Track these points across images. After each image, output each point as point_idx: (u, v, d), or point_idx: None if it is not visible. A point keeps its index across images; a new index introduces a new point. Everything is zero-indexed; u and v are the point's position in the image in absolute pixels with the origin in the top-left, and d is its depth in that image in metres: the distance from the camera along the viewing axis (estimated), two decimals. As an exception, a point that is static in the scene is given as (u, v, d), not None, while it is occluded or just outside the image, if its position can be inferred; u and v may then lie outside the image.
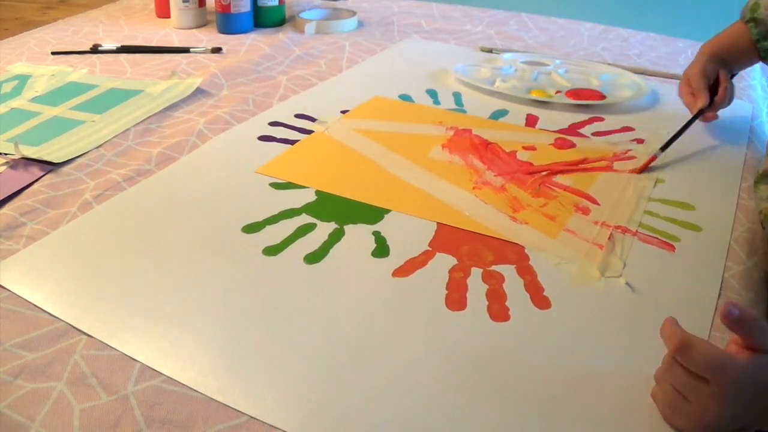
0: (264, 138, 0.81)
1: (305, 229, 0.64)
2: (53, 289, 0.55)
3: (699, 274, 0.60)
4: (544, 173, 0.75)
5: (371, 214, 0.67)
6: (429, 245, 0.62)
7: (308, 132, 0.83)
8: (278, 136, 0.82)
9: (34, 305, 0.54)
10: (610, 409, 0.46)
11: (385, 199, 0.69)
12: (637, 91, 0.96)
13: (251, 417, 0.44)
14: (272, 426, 0.44)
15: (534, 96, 0.94)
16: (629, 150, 0.81)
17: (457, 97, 0.96)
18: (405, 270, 0.59)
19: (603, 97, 0.94)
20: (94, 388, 0.46)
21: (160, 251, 0.60)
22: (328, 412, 0.45)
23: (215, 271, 0.58)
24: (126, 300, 0.54)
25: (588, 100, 0.93)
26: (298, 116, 0.87)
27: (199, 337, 0.51)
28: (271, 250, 0.61)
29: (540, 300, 0.56)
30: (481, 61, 1.08)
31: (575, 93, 0.95)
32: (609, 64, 1.07)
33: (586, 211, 0.68)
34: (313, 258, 0.60)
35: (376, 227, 0.64)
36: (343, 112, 0.89)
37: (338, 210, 0.67)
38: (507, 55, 1.09)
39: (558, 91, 0.96)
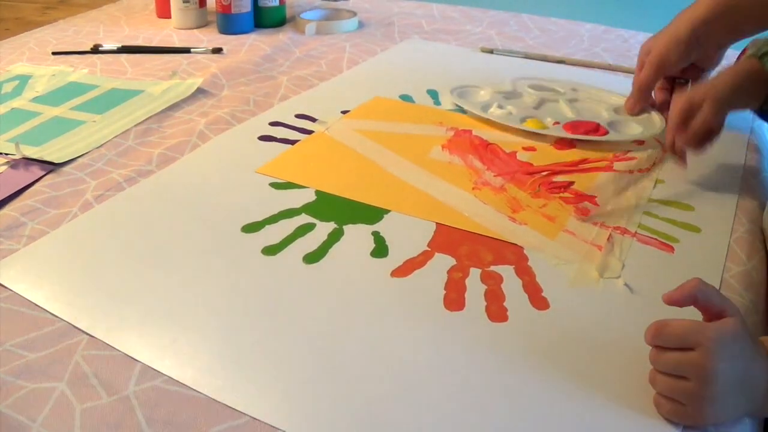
0: (264, 138, 0.81)
1: (304, 229, 0.64)
2: (53, 288, 0.56)
3: (698, 276, 0.59)
4: (544, 174, 0.75)
5: (370, 214, 0.67)
6: (428, 245, 0.62)
7: (308, 132, 0.84)
8: (278, 136, 0.82)
9: (35, 305, 0.54)
10: (609, 411, 0.46)
11: (385, 200, 0.69)
12: (648, 126, 0.84)
13: (252, 417, 0.45)
14: (273, 426, 0.44)
15: (527, 127, 0.84)
16: (629, 151, 0.81)
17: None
18: (404, 270, 0.59)
19: (605, 132, 0.83)
20: (95, 389, 0.46)
21: (160, 251, 0.60)
22: (328, 413, 0.45)
23: (214, 271, 0.58)
24: (126, 299, 0.55)
25: (586, 135, 0.83)
26: (299, 116, 0.87)
27: (200, 337, 0.51)
28: (271, 250, 0.61)
29: (538, 301, 0.56)
30: (483, 83, 0.97)
31: (573, 125, 0.85)
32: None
33: (585, 212, 0.68)
34: (312, 258, 0.60)
35: (376, 227, 0.65)
36: (344, 112, 0.89)
37: (338, 210, 0.67)
38: (520, 82, 0.98)
39: (556, 122, 0.86)
